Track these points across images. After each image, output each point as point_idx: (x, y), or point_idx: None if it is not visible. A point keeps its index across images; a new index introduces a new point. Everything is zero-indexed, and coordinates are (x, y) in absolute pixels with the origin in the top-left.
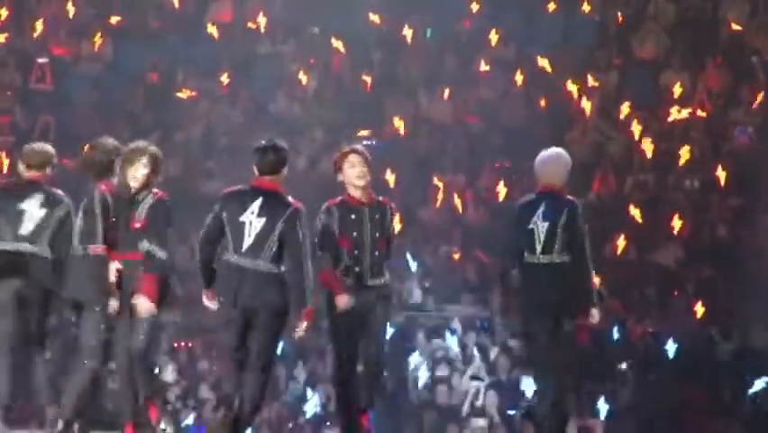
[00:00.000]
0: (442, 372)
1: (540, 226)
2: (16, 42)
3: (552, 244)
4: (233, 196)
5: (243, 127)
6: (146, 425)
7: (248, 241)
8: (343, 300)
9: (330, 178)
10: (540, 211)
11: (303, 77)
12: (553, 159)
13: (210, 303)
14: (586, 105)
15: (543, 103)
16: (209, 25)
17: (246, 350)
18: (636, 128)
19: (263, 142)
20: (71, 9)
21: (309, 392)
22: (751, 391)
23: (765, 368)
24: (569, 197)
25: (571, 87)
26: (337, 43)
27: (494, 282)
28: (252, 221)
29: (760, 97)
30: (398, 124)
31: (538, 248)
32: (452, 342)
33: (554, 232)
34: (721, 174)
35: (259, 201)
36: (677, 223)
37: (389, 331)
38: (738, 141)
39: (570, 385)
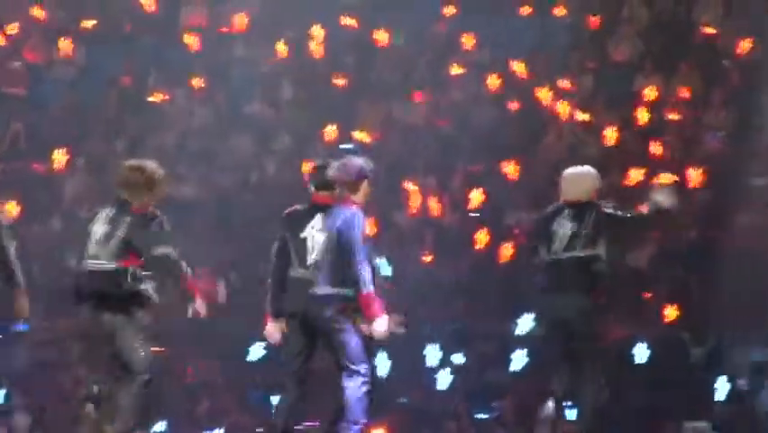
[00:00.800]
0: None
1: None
2: None
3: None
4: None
5: (217, 131)
6: None
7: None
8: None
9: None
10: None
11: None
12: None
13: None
14: (562, 108)
15: (516, 106)
16: (186, 35)
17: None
18: (611, 131)
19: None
20: (44, 13)
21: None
22: (719, 394)
23: (737, 372)
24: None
25: (546, 93)
26: (314, 47)
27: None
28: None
29: (731, 101)
30: (359, 135)
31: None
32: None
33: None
34: (693, 176)
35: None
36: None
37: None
38: (710, 145)
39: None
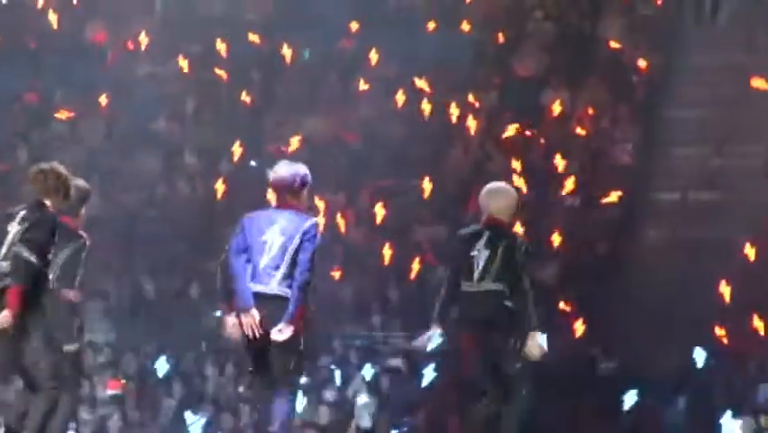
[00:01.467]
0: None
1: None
2: None
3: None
4: None
5: (122, 148)
6: None
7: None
8: None
9: (212, 196)
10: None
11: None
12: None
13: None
14: (471, 123)
15: (423, 121)
16: (99, 47)
17: None
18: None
19: None
20: None
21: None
22: (627, 407)
23: (646, 385)
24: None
25: (452, 108)
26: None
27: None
28: None
29: (638, 115)
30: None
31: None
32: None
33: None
34: (601, 191)
35: None
36: (556, 239)
37: None
38: (619, 159)
39: None
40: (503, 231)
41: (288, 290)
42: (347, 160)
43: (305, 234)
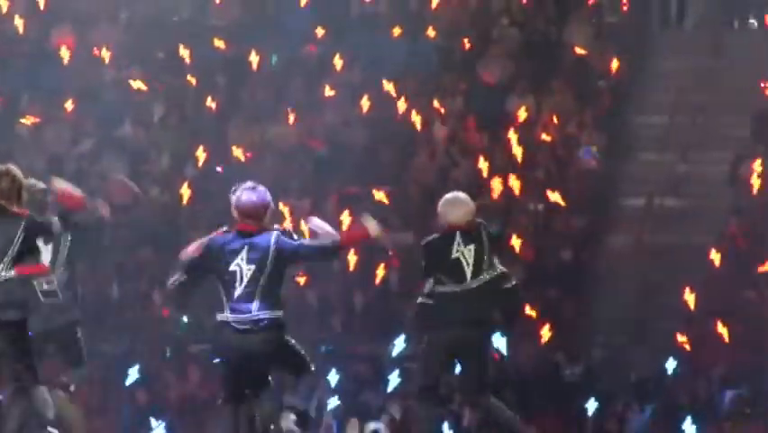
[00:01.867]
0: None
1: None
2: None
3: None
4: None
5: (88, 153)
6: None
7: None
8: None
9: (177, 201)
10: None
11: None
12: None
13: None
14: (438, 129)
15: (389, 127)
16: (62, 49)
17: None
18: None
19: None
20: None
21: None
22: (591, 413)
23: (611, 391)
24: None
25: (417, 114)
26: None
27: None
28: None
29: (603, 121)
30: (237, 153)
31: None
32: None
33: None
34: (558, 197)
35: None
36: (516, 243)
37: None
38: (585, 162)
39: None
40: (469, 228)
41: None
42: (312, 166)
43: (276, 243)
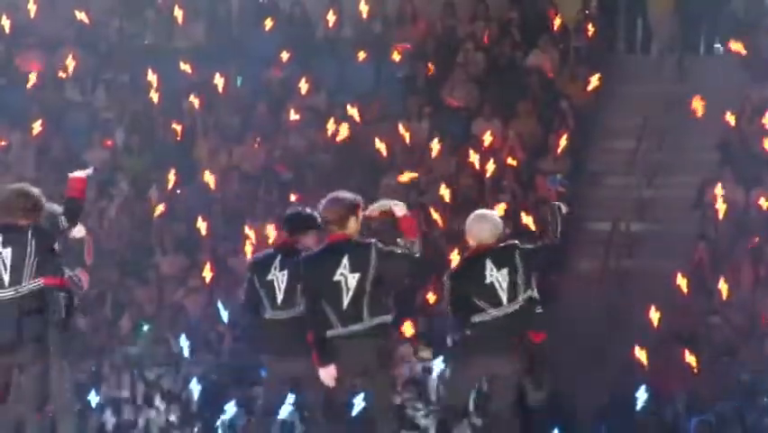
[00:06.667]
0: None
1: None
2: None
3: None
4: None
5: (53, 176)
6: None
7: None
8: None
9: (142, 224)
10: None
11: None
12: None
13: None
14: (401, 153)
15: (354, 151)
16: (31, 75)
17: None
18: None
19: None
20: None
21: None
22: None
23: (574, 416)
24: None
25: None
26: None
27: None
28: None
29: (567, 143)
30: (208, 178)
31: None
32: None
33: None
34: (529, 221)
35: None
36: None
37: None
38: (554, 190)
39: None
40: (501, 246)
41: None
42: (277, 189)
43: None
